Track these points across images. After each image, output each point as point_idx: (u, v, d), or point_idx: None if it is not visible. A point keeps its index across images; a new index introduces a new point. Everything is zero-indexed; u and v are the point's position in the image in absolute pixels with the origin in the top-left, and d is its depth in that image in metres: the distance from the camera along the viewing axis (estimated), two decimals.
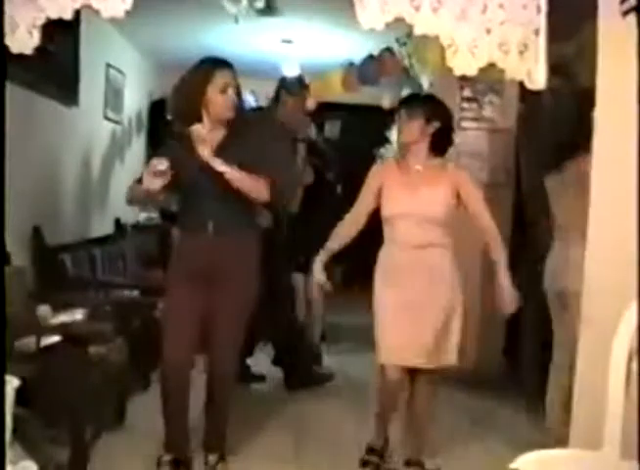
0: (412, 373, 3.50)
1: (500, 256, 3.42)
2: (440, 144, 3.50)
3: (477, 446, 4.02)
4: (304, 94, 5.10)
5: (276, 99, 5.01)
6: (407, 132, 3.46)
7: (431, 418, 3.70)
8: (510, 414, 4.59)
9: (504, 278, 3.36)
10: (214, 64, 3.29)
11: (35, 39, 2.98)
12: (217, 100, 3.23)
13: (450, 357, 3.45)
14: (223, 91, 3.23)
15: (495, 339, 5.29)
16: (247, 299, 3.40)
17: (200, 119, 3.26)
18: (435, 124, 3.44)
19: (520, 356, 5.23)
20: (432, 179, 3.43)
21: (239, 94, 3.33)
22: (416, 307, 3.39)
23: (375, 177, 3.54)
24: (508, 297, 3.35)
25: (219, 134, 3.31)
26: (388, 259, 3.49)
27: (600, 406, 2.40)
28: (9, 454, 2.48)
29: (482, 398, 4.84)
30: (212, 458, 3.45)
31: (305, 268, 5.10)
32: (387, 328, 3.40)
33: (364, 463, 3.61)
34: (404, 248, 3.42)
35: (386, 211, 3.46)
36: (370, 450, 3.65)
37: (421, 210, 3.38)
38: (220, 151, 3.23)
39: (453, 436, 4.14)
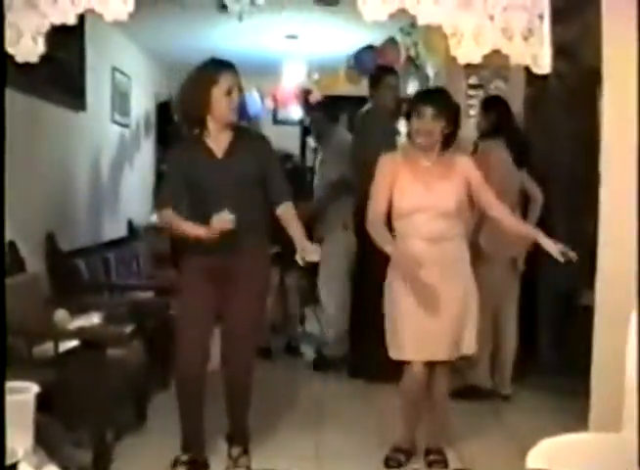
0: (431, 365, 3.50)
1: (521, 222, 3.63)
2: (448, 141, 3.51)
3: (497, 429, 4.05)
4: None
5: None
6: (432, 133, 3.41)
7: (448, 405, 3.72)
8: (530, 397, 4.63)
9: (539, 236, 3.33)
10: (219, 66, 3.28)
11: (40, 47, 3.00)
12: (222, 102, 3.23)
13: (471, 346, 3.50)
14: (228, 94, 3.24)
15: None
16: (260, 294, 3.45)
17: (204, 122, 3.28)
18: (451, 127, 3.46)
19: (537, 342, 5.24)
20: (444, 173, 3.45)
21: (241, 96, 3.34)
22: (437, 301, 3.39)
23: (387, 168, 3.50)
24: (552, 246, 3.24)
25: (226, 137, 3.32)
26: (403, 254, 3.43)
27: (618, 389, 2.40)
28: (33, 460, 2.49)
29: None
30: (235, 451, 3.48)
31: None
32: (411, 324, 3.40)
33: (388, 460, 3.59)
34: (420, 242, 3.42)
35: (402, 206, 3.44)
36: (396, 450, 3.63)
37: (436, 203, 3.40)
38: (229, 154, 3.29)
39: (474, 418, 4.19)
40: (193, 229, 3.22)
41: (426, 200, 3.40)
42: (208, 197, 3.28)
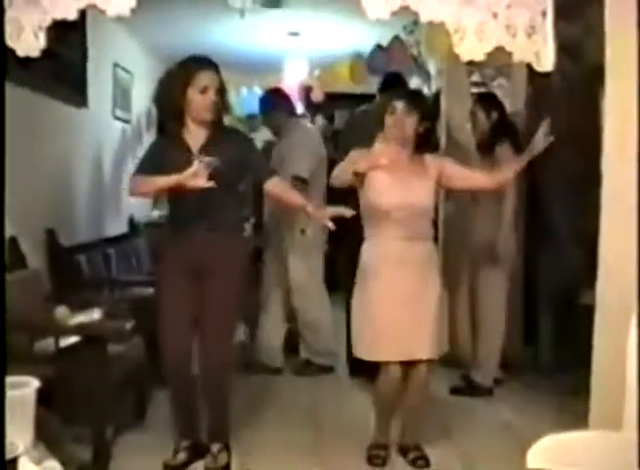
0: (408, 364, 3.50)
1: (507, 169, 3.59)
2: (424, 141, 3.52)
3: (497, 427, 4.07)
4: None
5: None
6: (403, 127, 3.45)
7: (426, 405, 3.72)
8: (530, 395, 4.62)
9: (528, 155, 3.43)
10: (197, 64, 3.29)
11: (41, 42, 2.98)
12: (197, 101, 3.25)
13: (444, 345, 3.53)
14: (203, 92, 3.24)
15: (516, 329, 5.25)
16: (236, 291, 3.46)
17: (181, 119, 3.30)
18: (426, 124, 3.49)
19: (539, 344, 5.25)
20: (419, 172, 3.47)
21: (223, 94, 3.33)
22: (412, 300, 3.42)
23: (362, 159, 3.43)
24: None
25: (203, 134, 3.33)
26: (379, 254, 3.48)
27: (619, 388, 2.40)
28: (33, 454, 2.49)
29: (507, 380, 4.85)
30: (215, 447, 3.48)
31: None
32: (386, 324, 3.40)
33: (370, 458, 3.60)
34: (398, 241, 3.44)
35: (379, 204, 3.44)
36: (375, 446, 3.64)
37: (414, 202, 3.43)
38: (205, 150, 3.29)
39: (474, 416, 4.22)
40: (167, 180, 3.17)
41: (404, 198, 3.42)
42: (188, 193, 3.26)
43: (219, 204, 3.33)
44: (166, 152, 3.31)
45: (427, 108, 3.58)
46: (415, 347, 3.42)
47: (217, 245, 3.35)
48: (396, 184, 3.42)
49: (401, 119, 3.44)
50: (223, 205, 3.37)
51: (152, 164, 3.33)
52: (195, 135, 3.32)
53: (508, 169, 3.56)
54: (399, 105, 3.45)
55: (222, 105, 3.35)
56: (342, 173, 3.47)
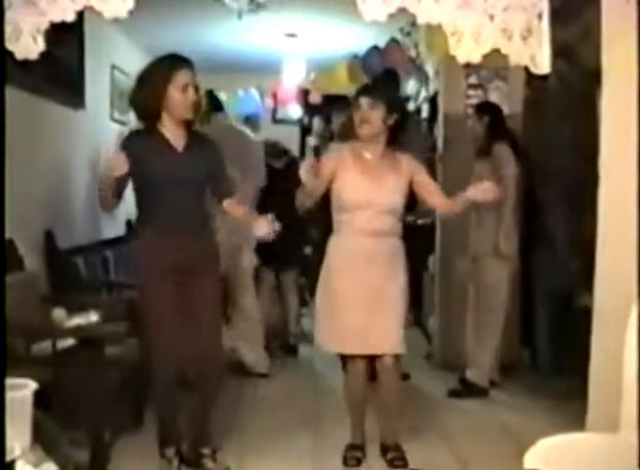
0: (377, 360, 3.52)
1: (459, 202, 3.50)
2: (395, 135, 3.55)
3: (494, 430, 4.06)
4: None
5: None
6: (372, 123, 3.46)
7: (400, 401, 3.71)
8: (527, 397, 4.62)
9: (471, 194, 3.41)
10: (176, 62, 3.30)
11: (40, 44, 2.99)
12: (178, 99, 3.25)
13: (404, 343, 3.50)
14: (184, 91, 3.25)
15: (514, 331, 5.25)
16: (218, 290, 3.49)
17: (159, 117, 3.29)
18: (395, 116, 3.50)
19: (536, 346, 5.26)
20: (390, 169, 3.49)
21: (197, 93, 3.34)
22: (377, 295, 3.43)
23: (330, 161, 3.50)
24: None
25: (183, 133, 3.34)
26: (344, 249, 3.50)
27: (615, 390, 2.40)
28: (31, 457, 2.49)
29: (504, 382, 4.85)
30: (207, 451, 3.46)
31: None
32: (351, 318, 3.42)
33: (345, 459, 3.60)
34: (364, 236, 3.45)
35: (346, 199, 3.45)
36: (351, 447, 3.64)
37: (382, 199, 3.44)
38: (189, 149, 3.32)
39: (471, 418, 4.22)
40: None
41: (373, 195, 3.43)
42: (163, 188, 3.28)
43: (197, 205, 3.36)
44: (149, 150, 3.28)
45: (392, 99, 3.58)
46: (380, 341, 3.44)
47: (201, 246, 3.36)
48: (366, 179, 3.44)
49: (367, 115, 3.46)
50: (200, 206, 3.40)
51: (133, 151, 3.23)
52: (174, 134, 3.32)
53: (458, 203, 3.50)
54: (364, 100, 3.47)
55: (199, 105, 3.38)
56: (303, 193, 3.45)
